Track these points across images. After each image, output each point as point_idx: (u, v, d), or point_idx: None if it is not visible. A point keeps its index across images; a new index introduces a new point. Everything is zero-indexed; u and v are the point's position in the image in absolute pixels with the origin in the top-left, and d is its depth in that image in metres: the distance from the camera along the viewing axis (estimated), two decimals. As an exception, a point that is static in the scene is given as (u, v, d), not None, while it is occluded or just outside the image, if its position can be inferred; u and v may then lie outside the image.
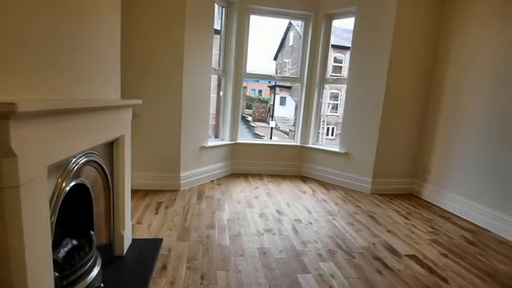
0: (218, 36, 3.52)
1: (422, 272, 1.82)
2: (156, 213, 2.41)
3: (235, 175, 3.71)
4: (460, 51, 2.90)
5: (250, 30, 3.61)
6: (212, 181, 3.40)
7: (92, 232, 1.40)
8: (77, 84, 1.17)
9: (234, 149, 3.75)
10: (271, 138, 11.80)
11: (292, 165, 3.91)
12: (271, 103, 17.46)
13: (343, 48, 13.37)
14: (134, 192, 2.83)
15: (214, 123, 3.77)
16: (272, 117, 15.18)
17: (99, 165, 1.39)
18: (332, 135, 13.96)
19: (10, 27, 0.79)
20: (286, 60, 16.80)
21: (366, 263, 1.89)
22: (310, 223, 2.45)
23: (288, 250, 1.99)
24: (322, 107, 3.91)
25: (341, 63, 13.99)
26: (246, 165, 3.80)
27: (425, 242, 2.23)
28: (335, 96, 14.50)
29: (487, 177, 2.57)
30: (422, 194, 3.28)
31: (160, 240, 1.91)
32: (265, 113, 17.32)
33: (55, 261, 1.05)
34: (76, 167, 1.15)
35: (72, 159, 1.12)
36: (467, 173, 2.76)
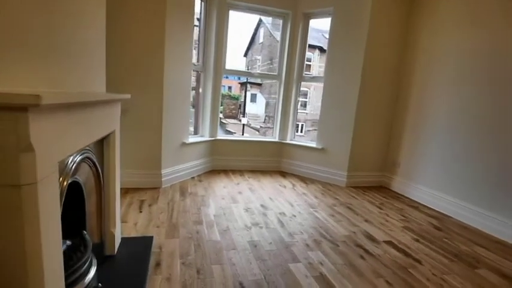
0: (197, 31, 3.48)
1: (399, 256, 1.99)
2: (141, 212, 2.35)
3: (215, 171, 3.71)
4: (426, 52, 3.16)
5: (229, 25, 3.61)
6: (193, 178, 3.37)
7: (85, 232, 1.35)
8: (60, 73, 1.03)
9: (214, 146, 3.74)
10: (242, 134, 11.85)
11: (272, 161, 4.00)
12: (242, 100, 17.46)
13: (313, 47, 13.78)
14: (113, 190, 2.72)
15: (191, 120, 3.72)
16: (244, 114, 15.20)
17: (93, 162, 1.34)
18: (301, 131, 14.35)
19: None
20: (257, 57, 16.88)
21: (349, 250, 2.02)
22: (294, 216, 2.55)
23: (277, 242, 2.06)
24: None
25: (310, 61, 14.39)
26: (226, 162, 3.82)
27: (399, 229, 2.43)
28: (304, 94, 14.89)
29: (449, 170, 2.85)
30: (392, 185, 3.54)
31: (151, 238, 1.87)
32: (236, 109, 17.31)
33: (56, 262, 1.01)
34: (74, 165, 1.10)
35: (71, 156, 1.08)
36: (432, 166, 3.04)
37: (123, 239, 1.79)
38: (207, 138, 3.64)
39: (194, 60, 3.38)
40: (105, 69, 1.54)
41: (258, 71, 14.74)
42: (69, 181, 1.10)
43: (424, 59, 3.17)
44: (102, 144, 1.51)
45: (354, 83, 3.34)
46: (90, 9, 1.30)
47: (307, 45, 3.90)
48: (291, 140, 4.02)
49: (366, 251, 2.03)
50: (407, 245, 2.15)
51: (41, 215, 0.72)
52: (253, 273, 1.66)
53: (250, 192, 3.05)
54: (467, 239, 2.32)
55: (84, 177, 1.31)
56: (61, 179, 1.01)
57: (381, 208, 2.89)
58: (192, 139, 3.38)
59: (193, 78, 3.48)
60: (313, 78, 4.14)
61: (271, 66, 15.40)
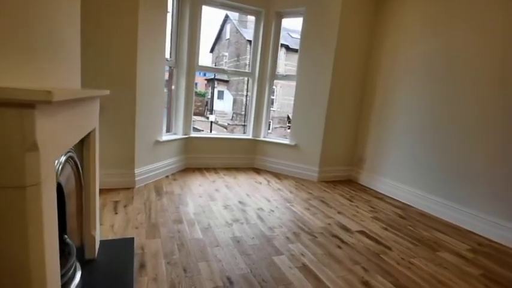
0: (170, 26, 3.38)
1: (371, 244, 2.15)
2: (116, 213, 2.25)
3: (189, 169, 3.65)
4: (388, 53, 3.41)
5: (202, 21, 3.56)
6: (167, 176, 3.29)
7: (66, 236, 1.27)
8: (38, 69, 0.91)
9: (188, 143, 3.67)
10: (210, 132, 11.71)
11: (245, 158, 4.03)
12: (209, 97, 17.22)
13: (280, 45, 14.01)
14: (82, 192, 2.56)
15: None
16: (211, 111, 15.01)
17: (75, 162, 1.27)
18: (269, 129, 14.57)
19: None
20: (225, 54, 16.73)
21: (327, 241, 2.14)
22: (272, 211, 2.62)
23: (259, 236, 2.11)
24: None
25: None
26: (200, 159, 3.77)
27: (369, 219, 2.61)
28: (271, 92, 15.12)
29: (409, 164, 3.12)
30: (360, 179, 3.77)
31: (131, 239, 1.81)
32: (203, 106, 17.02)
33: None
34: (61, 165, 1.04)
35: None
36: (394, 160, 3.30)
37: (101, 241, 1.71)
38: (180, 136, 3.57)
39: (167, 55, 3.28)
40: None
41: (225, 68, 14.65)
42: (56, 182, 1.04)
43: (387, 61, 3.42)
44: (81, 143, 1.43)
45: (325, 82, 3.50)
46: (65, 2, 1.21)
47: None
48: (264, 137, 4.09)
49: (342, 240, 2.16)
50: (377, 234, 2.33)
51: (44, 217, 0.69)
52: (240, 268, 1.69)
53: (227, 190, 3.06)
54: (428, 226, 2.57)
55: (66, 177, 1.24)
56: (50, 179, 0.95)
57: (351, 200, 3.08)
58: (165, 137, 3.29)
59: (166, 74, 3.38)
60: (285, 77, 4.25)
61: (238, 63, 15.36)
